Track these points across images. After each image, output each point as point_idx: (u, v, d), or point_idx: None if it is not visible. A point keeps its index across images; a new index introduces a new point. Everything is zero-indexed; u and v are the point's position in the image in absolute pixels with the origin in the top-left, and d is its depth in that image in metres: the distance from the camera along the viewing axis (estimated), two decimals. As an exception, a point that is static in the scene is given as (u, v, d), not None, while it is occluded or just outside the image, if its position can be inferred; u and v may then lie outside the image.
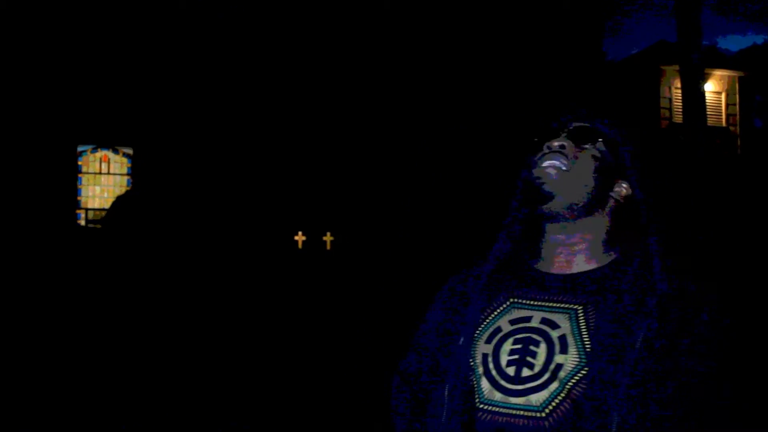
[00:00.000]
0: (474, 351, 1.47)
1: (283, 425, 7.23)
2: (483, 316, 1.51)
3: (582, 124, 1.54)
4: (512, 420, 1.39)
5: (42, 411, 7.26)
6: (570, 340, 1.40)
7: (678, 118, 15.85)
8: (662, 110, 17.56)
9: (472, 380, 1.45)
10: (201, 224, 12.65)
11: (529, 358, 1.41)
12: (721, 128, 17.87)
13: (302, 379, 8.50)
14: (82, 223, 14.67)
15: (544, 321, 1.44)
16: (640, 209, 1.50)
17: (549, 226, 1.52)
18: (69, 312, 10.55)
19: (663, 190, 1.52)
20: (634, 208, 1.52)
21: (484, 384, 1.43)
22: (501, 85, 13.65)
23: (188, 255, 11.94)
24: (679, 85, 13.92)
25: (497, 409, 1.41)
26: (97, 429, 6.93)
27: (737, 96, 18.35)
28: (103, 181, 14.91)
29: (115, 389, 7.91)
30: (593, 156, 1.51)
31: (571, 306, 1.44)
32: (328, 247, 14.01)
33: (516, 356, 1.42)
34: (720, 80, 18.25)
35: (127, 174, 14.94)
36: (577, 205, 1.49)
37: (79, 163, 14.73)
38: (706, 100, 12.55)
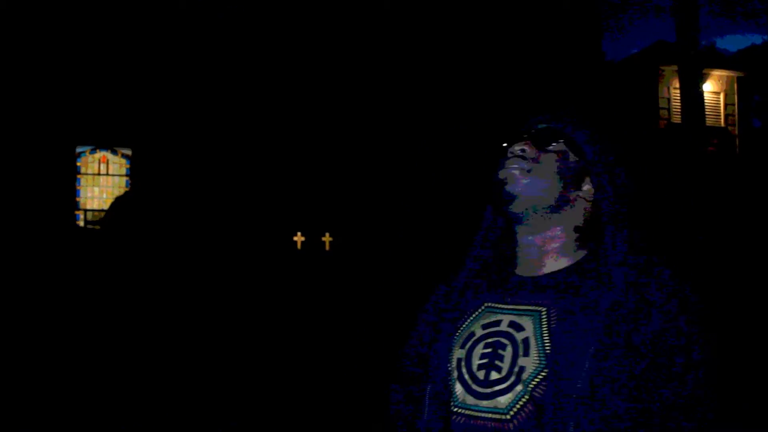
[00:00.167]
0: (451, 356, 1.51)
1: (283, 425, 7.24)
2: (460, 322, 1.54)
3: (544, 126, 1.57)
4: (482, 422, 1.43)
5: (42, 411, 7.26)
6: (532, 342, 1.43)
7: (677, 118, 15.87)
8: (661, 110, 17.58)
9: (450, 384, 1.50)
10: (200, 225, 12.64)
11: (497, 362, 1.45)
12: (719, 128, 17.89)
13: (302, 380, 8.51)
14: (81, 224, 14.66)
15: (511, 324, 1.47)
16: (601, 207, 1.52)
17: (519, 228, 1.55)
18: (68, 312, 10.55)
19: (625, 188, 1.51)
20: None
21: (458, 388, 1.48)
22: (500, 85, 13.66)
23: (187, 256, 11.94)
24: (677, 86, 13.95)
25: (470, 412, 1.45)
26: (97, 429, 6.93)
27: (736, 96, 18.37)
28: (101, 182, 14.91)
29: (115, 389, 7.91)
30: (555, 157, 1.54)
31: (536, 308, 1.47)
32: (327, 247, 14.01)
33: (485, 360, 1.46)
34: (718, 80, 18.27)
35: (126, 175, 14.94)
36: (540, 205, 1.51)
37: (78, 164, 14.72)
38: (705, 101, 12.56)
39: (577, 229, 1.53)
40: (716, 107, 18.03)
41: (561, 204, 1.52)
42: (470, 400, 1.45)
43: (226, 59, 13.76)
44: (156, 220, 12.76)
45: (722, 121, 18.25)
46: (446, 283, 1.63)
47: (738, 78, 18.48)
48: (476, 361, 1.47)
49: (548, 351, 1.40)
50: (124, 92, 13.78)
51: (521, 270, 1.54)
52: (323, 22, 14.02)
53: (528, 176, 1.51)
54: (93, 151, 14.79)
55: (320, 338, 10.04)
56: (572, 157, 1.54)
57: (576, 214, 1.53)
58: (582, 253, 1.52)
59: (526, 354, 1.42)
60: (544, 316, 1.45)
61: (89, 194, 14.85)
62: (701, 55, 11.58)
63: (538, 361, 1.41)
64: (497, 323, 1.49)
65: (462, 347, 1.50)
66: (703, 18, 16.54)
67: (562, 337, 1.40)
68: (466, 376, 1.47)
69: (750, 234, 12.61)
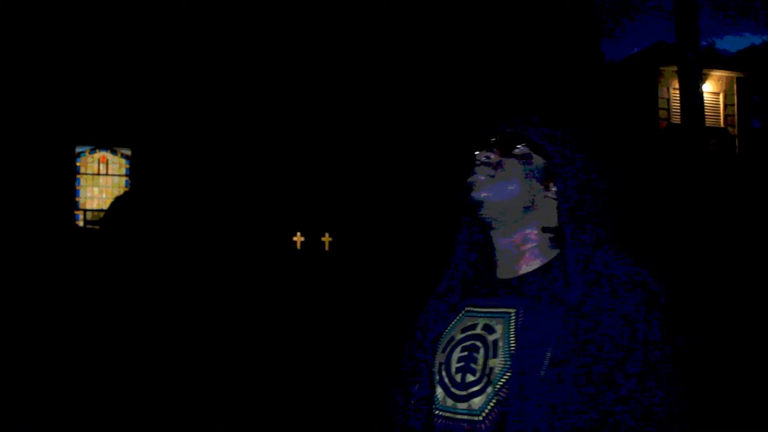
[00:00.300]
0: (434, 360, 1.57)
1: (283, 425, 7.24)
2: (442, 326, 1.59)
3: (508, 130, 1.61)
4: (459, 424, 1.48)
5: (42, 411, 7.25)
6: (501, 343, 1.47)
7: (676, 118, 15.87)
8: (660, 111, 17.57)
9: (434, 388, 1.55)
10: (200, 225, 12.64)
11: (472, 365, 1.49)
12: (719, 129, 17.89)
13: (302, 380, 8.51)
14: (81, 224, 14.66)
15: (485, 327, 1.52)
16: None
17: (492, 233, 1.59)
18: (68, 313, 10.55)
19: (588, 186, 1.53)
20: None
21: (439, 391, 1.53)
22: (500, 85, 13.66)
23: (187, 256, 11.94)
24: (677, 86, 13.94)
25: (449, 415, 1.50)
26: (97, 429, 6.93)
27: (735, 97, 18.36)
28: (101, 182, 14.91)
29: (115, 389, 7.91)
30: (519, 161, 1.57)
31: (508, 310, 1.51)
32: (327, 247, 14.02)
33: (462, 363, 1.51)
34: (718, 81, 18.26)
35: (126, 175, 14.93)
36: (510, 209, 1.55)
37: (78, 164, 14.72)
38: (704, 101, 12.56)
39: (548, 229, 1.56)
40: (716, 108, 18.02)
41: (532, 206, 1.56)
42: (449, 402, 1.50)
43: (226, 59, 13.76)
44: (155, 221, 12.76)
45: (722, 121, 18.25)
46: (432, 288, 1.68)
47: (737, 78, 18.47)
48: (454, 365, 1.52)
49: (513, 351, 1.44)
50: (123, 92, 13.78)
51: (500, 272, 1.58)
52: (323, 22, 14.02)
53: (493, 182, 1.55)
54: (92, 151, 14.78)
55: (320, 338, 10.04)
56: (537, 160, 1.57)
57: (547, 215, 1.56)
58: (555, 253, 1.55)
59: (495, 355, 1.47)
60: (513, 318, 1.49)
61: (89, 194, 14.85)
62: (701, 56, 11.57)
63: (504, 362, 1.45)
64: (473, 327, 1.54)
65: (443, 351, 1.55)
66: (704, 18, 16.57)
67: (524, 336, 1.44)
68: (446, 380, 1.52)
69: (750, 234, 12.61)
